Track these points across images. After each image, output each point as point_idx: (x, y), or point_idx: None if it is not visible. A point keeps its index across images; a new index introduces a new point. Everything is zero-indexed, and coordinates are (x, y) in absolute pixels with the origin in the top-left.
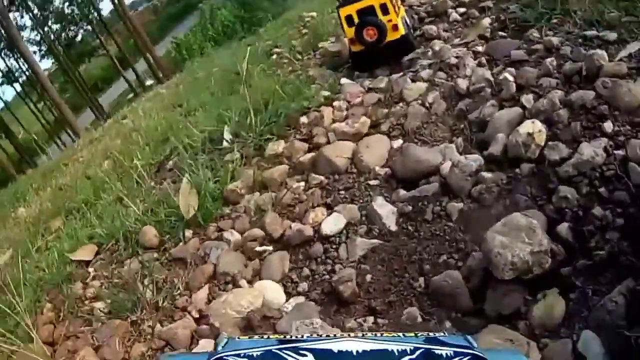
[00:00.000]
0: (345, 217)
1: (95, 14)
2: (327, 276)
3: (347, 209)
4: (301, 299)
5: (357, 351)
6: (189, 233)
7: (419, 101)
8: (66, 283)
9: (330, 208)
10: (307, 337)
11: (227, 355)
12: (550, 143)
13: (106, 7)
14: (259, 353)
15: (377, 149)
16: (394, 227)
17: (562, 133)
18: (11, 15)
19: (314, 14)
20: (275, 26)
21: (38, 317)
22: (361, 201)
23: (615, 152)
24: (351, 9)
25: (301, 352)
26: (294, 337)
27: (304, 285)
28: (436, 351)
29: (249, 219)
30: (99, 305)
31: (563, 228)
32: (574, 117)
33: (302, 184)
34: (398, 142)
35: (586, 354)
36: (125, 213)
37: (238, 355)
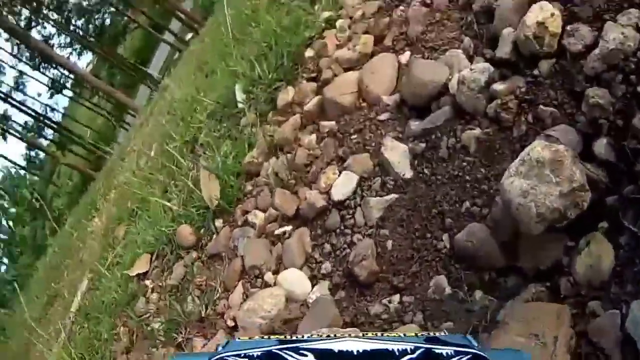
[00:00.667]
0: (356, 172)
1: None
2: (348, 250)
3: (357, 160)
4: (325, 284)
5: (357, 351)
6: (219, 223)
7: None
8: (131, 303)
9: (343, 161)
10: (308, 337)
11: (227, 356)
12: (568, 28)
13: None
14: (259, 353)
15: (383, 72)
16: (408, 174)
17: (581, 10)
18: (34, 30)
19: None
20: None
21: (116, 345)
22: (373, 145)
23: None
24: None
25: (301, 352)
26: (294, 337)
27: (327, 266)
28: (437, 350)
29: (270, 194)
30: (156, 325)
31: (601, 146)
32: None
33: (314, 136)
34: (405, 56)
35: (635, 337)
36: (165, 212)
37: (238, 356)
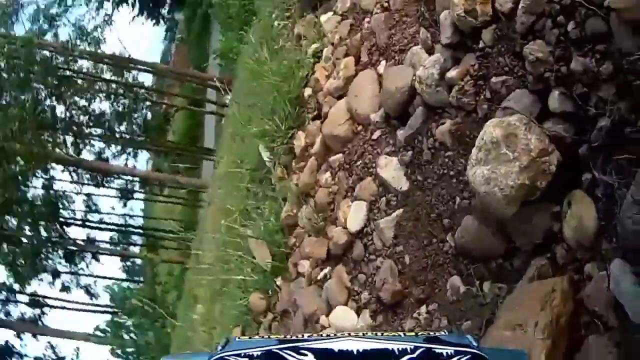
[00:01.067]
0: (364, 199)
1: (142, 91)
2: (377, 276)
3: (363, 187)
4: (366, 313)
5: (357, 350)
6: (279, 281)
7: (378, 5)
8: None
9: (353, 190)
10: (308, 336)
11: (227, 355)
12: None
13: (147, 78)
14: (259, 353)
15: (365, 91)
16: (405, 186)
17: None
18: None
19: None
20: None
21: None
22: (374, 166)
23: None
24: None
25: (301, 351)
26: (293, 337)
27: (365, 295)
28: (436, 350)
29: (309, 241)
30: None
31: (554, 99)
32: None
33: (329, 173)
34: (381, 67)
35: (620, 298)
36: (239, 286)
37: (238, 355)
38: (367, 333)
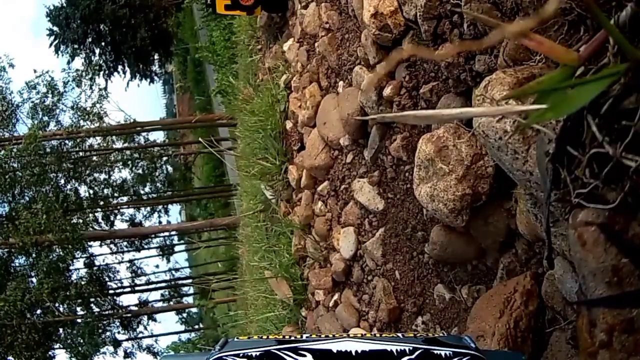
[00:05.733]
0: (351, 224)
1: (156, 148)
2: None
3: (347, 212)
4: (375, 331)
5: (356, 351)
6: (304, 312)
7: (321, 28)
8: None
9: (341, 216)
10: (307, 337)
11: (226, 356)
12: None
13: (158, 135)
14: (257, 353)
15: (330, 117)
16: (381, 205)
17: None
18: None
19: None
20: None
21: None
22: (353, 194)
23: None
24: None
25: (300, 352)
26: (293, 338)
27: (372, 314)
28: (435, 351)
29: (312, 273)
30: None
31: (475, 99)
32: None
33: (320, 202)
34: (341, 88)
35: (567, 296)
36: (271, 322)
37: (237, 356)
38: (365, 334)
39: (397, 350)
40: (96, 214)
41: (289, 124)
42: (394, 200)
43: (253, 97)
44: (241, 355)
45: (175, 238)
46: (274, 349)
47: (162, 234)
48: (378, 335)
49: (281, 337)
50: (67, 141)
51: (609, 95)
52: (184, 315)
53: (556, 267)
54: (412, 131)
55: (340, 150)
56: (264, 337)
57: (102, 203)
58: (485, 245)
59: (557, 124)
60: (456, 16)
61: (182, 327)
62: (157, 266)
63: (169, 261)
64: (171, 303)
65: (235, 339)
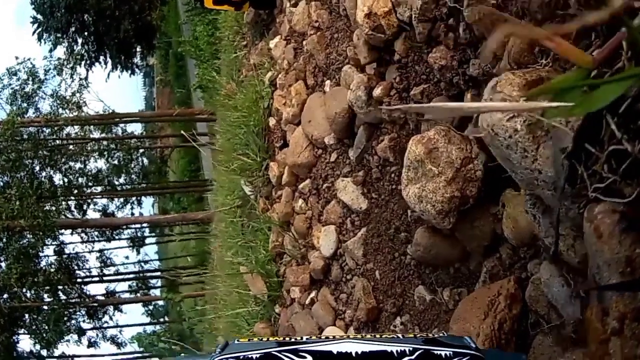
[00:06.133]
0: (333, 222)
1: (133, 140)
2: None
3: (329, 211)
4: (352, 330)
5: (356, 352)
6: (278, 309)
7: (310, 26)
8: None
9: (322, 215)
10: (307, 338)
11: (226, 358)
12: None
13: (136, 127)
14: (257, 355)
15: (315, 115)
16: (364, 205)
17: None
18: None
19: None
20: None
21: None
22: (335, 193)
23: None
24: None
25: (300, 354)
26: (293, 339)
27: (349, 313)
28: (435, 352)
29: (290, 270)
30: None
31: (467, 101)
32: None
33: (301, 200)
34: (327, 87)
35: (553, 300)
36: (242, 317)
37: (237, 358)
38: (365, 335)
39: (397, 351)
40: (69, 203)
41: (272, 121)
42: (377, 200)
43: (236, 93)
44: (241, 357)
45: (147, 230)
46: (274, 351)
47: (133, 226)
48: (378, 336)
49: (281, 339)
50: (44, 129)
51: (627, 96)
52: (150, 307)
53: (542, 271)
54: (400, 132)
55: (324, 149)
56: (264, 339)
57: (75, 192)
58: (469, 249)
59: (573, 123)
60: (452, 19)
61: (148, 319)
62: (127, 257)
63: (138, 253)
64: (138, 295)
65: (236, 341)
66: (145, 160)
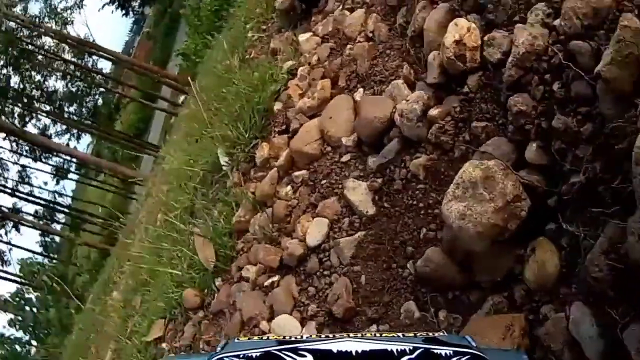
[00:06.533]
0: (327, 216)
1: (99, 77)
2: (329, 290)
3: (326, 205)
4: (312, 324)
5: (356, 351)
6: (219, 282)
7: (362, 34)
8: None
9: (315, 207)
10: (307, 337)
11: (226, 356)
12: (486, 38)
13: (106, 65)
14: (258, 354)
15: (339, 115)
16: (371, 210)
17: (497, 15)
18: (29, 124)
19: None
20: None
21: None
22: (340, 187)
23: (555, 23)
24: None
25: (300, 352)
26: (292, 338)
27: (312, 307)
28: (435, 351)
29: (258, 248)
30: None
31: (531, 151)
32: None
33: (290, 187)
34: (359, 93)
35: (579, 337)
36: (172, 278)
37: (237, 356)
38: (366, 334)
39: (397, 350)
40: (15, 108)
41: (277, 105)
42: (389, 210)
43: (236, 69)
44: (241, 356)
45: (74, 166)
46: (274, 350)
47: (64, 156)
48: (378, 334)
49: (281, 337)
50: (24, 29)
51: None
52: (47, 239)
53: (573, 309)
54: (442, 157)
55: (336, 147)
56: (265, 338)
57: (25, 101)
58: (479, 279)
59: None
60: (549, 75)
61: (40, 250)
62: (45, 183)
63: (57, 183)
64: (41, 222)
65: (236, 340)
66: (101, 100)
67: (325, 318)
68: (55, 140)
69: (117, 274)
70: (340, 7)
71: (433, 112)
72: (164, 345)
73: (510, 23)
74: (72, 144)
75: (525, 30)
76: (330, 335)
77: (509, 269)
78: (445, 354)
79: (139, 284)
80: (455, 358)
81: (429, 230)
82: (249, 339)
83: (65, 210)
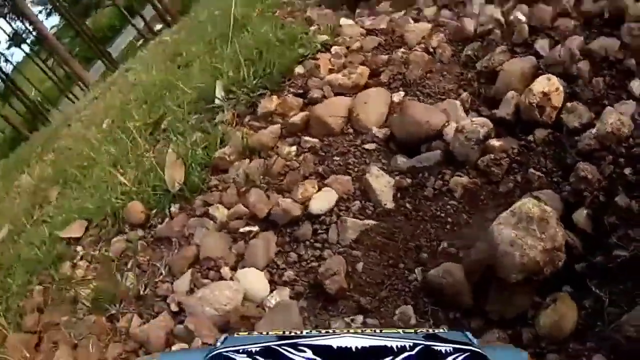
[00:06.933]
0: (337, 191)
1: None
2: (315, 263)
3: (339, 181)
4: (286, 290)
5: (356, 347)
6: (175, 208)
7: (422, 45)
8: (55, 264)
9: (322, 178)
10: (307, 332)
11: (226, 351)
12: (568, 105)
13: None
14: (257, 349)
15: (375, 105)
16: (390, 205)
17: (583, 92)
18: None
19: None
20: None
21: (26, 302)
22: (356, 170)
23: None
24: None
25: (300, 348)
26: (292, 333)
27: (289, 274)
28: (435, 347)
29: (237, 192)
30: (84, 291)
31: (581, 216)
32: (596, 71)
33: (294, 148)
34: (399, 95)
35: None
36: (114, 184)
37: (237, 351)
38: (365, 330)
39: (397, 346)
40: None
41: (300, 69)
42: (409, 212)
43: (255, 18)
44: (241, 351)
45: (31, 40)
46: (274, 345)
47: (29, 26)
48: (378, 331)
49: (281, 332)
50: None
51: None
52: None
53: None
54: (484, 185)
55: (360, 133)
56: (264, 333)
57: None
58: (488, 309)
59: None
60: (623, 159)
61: None
62: None
63: (8, 48)
64: None
65: (235, 335)
66: None
67: (306, 290)
68: (29, 5)
69: (37, 160)
70: (401, 12)
71: (494, 142)
72: (78, 248)
73: (594, 103)
74: (41, 17)
75: (616, 114)
76: (330, 331)
77: (522, 311)
78: (446, 350)
79: (62, 177)
80: (456, 355)
81: (451, 245)
82: (248, 333)
83: (2, 76)
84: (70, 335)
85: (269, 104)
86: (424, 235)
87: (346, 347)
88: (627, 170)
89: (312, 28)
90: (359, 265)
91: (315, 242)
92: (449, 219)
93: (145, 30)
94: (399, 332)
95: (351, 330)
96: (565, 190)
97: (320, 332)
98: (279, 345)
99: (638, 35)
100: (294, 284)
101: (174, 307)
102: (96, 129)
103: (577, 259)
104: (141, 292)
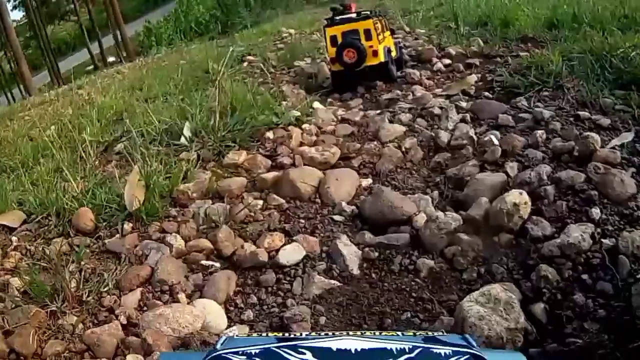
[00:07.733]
0: (304, 248)
1: None
2: (277, 309)
3: (307, 240)
4: (245, 327)
5: (355, 349)
6: (128, 226)
7: (395, 144)
8: None
9: (288, 235)
10: (306, 335)
11: (225, 353)
12: (534, 217)
13: None
14: (257, 351)
15: (345, 183)
16: (356, 271)
17: (547, 210)
18: None
19: (293, 31)
20: (251, 34)
21: None
22: (322, 235)
23: (603, 240)
24: (337, 30)
25: (300, 350)
26: (292, 335)
27: (249, 314)
28: (435, 350)
29: (196, 227)
30: (15, 281)
31: (539, 308)
32: (560, 195)
33: (260, 202)
34: (367, 181)
35: None
36: (63, 187)
37: (236, 353)
38: (365, 332)
39: (396, 348)
40: None
41: (270, 134)
42: (375, 281)
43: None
44: (240, 353)
45: None
46: (273, 347)
47: None
48: (377, 333)
49: (281, 335)
50: None
51: None
52: None
53: None
54: (449, 271)
55: (327, 204)
56: (264, 335)
57: None
58: None
59: None
60: (581, 267)
61: None
62: None
63: None
64: None
65: (235, 337)
66: None
67: (267, 330)
68: None
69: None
70: (380, 112)
71: (463, 236)
72: (13, 238)
73: (557, 220)
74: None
75: (578, 230)
76: (330, 333)
77: None
78: (445, 353)
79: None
80: (455, 357)
81: (414, 316)
82: (248, 336)
83: None
84: (3, 320)
85: (237, 156)
86: (388, 304)
87: (346, 349)
88: (584, 276)
89: (285, 102)
90: (322, 319)
91: (279, 291)
92: (413, 294)
93: (98, 57)
94: (398, 335)
95: (350, 333)
96: (525, 286)
97: (319, 334)
98: (279, 347)
99: (603, 173)
100: (253, 324)
101: (123, 320)
102: (42, 131)
103: (532, 344)
104: (84, 298)
